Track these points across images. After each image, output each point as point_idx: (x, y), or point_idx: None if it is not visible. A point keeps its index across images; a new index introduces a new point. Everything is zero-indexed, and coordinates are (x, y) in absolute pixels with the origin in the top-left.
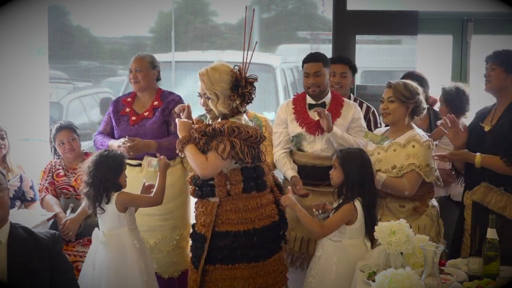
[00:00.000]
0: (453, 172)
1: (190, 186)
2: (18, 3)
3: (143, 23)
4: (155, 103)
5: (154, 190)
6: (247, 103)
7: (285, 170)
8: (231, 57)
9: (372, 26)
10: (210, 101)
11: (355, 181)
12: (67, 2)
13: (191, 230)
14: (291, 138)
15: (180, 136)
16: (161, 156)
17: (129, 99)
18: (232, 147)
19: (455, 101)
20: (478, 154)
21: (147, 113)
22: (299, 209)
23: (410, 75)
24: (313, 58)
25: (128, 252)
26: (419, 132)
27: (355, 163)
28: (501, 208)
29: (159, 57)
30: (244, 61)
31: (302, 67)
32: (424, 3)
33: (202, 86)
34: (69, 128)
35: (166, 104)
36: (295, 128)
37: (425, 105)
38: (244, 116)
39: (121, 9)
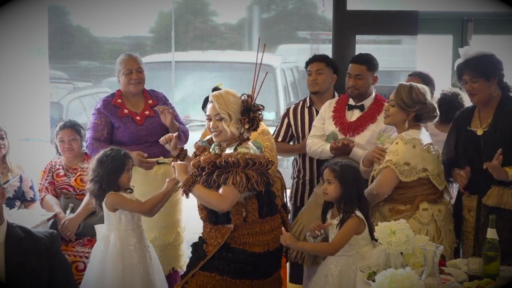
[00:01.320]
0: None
1: (202, 212)
2: (18, 3)
3: (143, 23)
4: (150, 101)
5: (149, 199)
6: (254, 130)
7: (322, 147)
8: (231, 57)
9: (372, 26)
10: (223, 121)
11: (353, 194)
12: (67, 2)
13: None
14: (326, 136)
15: (181, 179)
16: (173, 178)
17: (119, 100)
18: (247, 179)
19: (449, 104)
20: (508, 167)
21: (148, 111)
22: (301, 246)
23: (419, 75)
24: (359, 60)
25: (124, 253)
26: (422, 135)
27: (352, 176)
28: None
29: (159, 57)
30: (254, 87)
31: (348, 65)
32: (424, 3)
33: (215, 107)
34: (72, 128)
35: (159, 101)
36: (330, 126)
37: (434, 113)
38: (249, 143)
39: (121, 9)
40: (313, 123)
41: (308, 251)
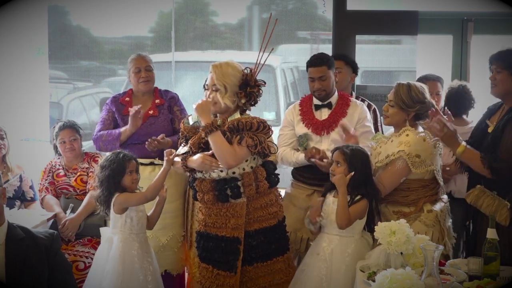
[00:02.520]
0: (458, 166)
1: (207, 194)
2: (18, 3)
3: (143, 23)
4: (157, 101)
5: (150, 184)
6: (251, 105)
7: (296, 156)
8: (231, 57)
9: (372, 26)
10: (218, 92)
11: (361, 179)
12: (67, 2)
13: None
14: (298, 138)
15: (203, 119)
16: (169, 154)
17: (127, 99)
18: (259, 142)
19: (459, 98)
20: (463, 143)
21: (152, 111)
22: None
23: (426, 78)
24: (317, 62)
25: (126, 256)
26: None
27: (361, 159)
28: (492, 213)
29: (159, 57)
30: (258, 62)
31: (307, 69)
32: (424, 3)
33: (213, 77)
34: (72, 128)
35: (168, 101)
36: (301, 129)
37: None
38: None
39: (121, 9)
40: (280, 131)
41: (340, 205)
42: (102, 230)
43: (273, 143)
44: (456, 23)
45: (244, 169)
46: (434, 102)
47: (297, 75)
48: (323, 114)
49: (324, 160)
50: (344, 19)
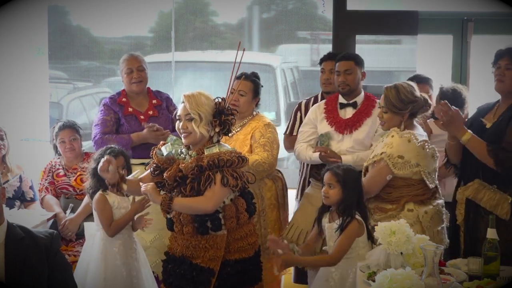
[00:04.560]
0: (448, 167)
1: (187, 227)
2: (18, 3)
3: (143, 23)
4: (154, 101)
5: (116, 222)
6: (225, 134)
7: (310, 154)
8: (231, 57)
9: (372, 26)
10: (193, 122)
11: (354, 198)
12: (67, 2)
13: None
14: (319, 137)
15: (157, 201)
16: (141, 200)
17: (124, 99)
18: (239, 177)
19: (450, 102)
20: (469, 131)
21: (151, 111)
22: (302, 261)
23: (417, 79)
24: (346, 56)
25: (108, 253)
26: (417, 131)
27: (354, 180)
28: (493, 207)
29: (159, 57)
30: (229, 89)
31: (335, 65)
32: (424, 3)
33: (186, 107)
34: (72, 128)
35: (165, 101)
36: (325, 127)
37: (427, 105)
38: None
39: (121, 9)
40: (301, 128)
41: (309, 265)
42: (87, 225)
43: (251, 173)
44: (456, 23)
45: (224, 202)
46: (427, 96)
47: (297, 75)
48: (347, 113)
49: (332, 159)
50: (344, 19)
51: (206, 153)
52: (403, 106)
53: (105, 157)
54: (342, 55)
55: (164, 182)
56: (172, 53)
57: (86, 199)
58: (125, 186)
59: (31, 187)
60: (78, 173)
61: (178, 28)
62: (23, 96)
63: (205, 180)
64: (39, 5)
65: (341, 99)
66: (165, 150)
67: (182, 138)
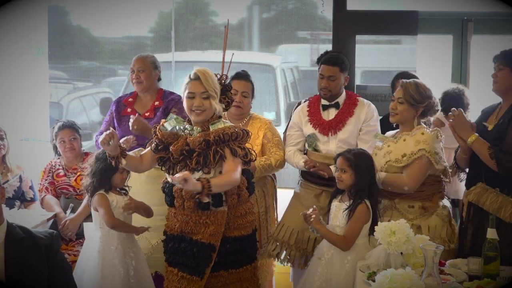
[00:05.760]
0: (455, 167)
1: (188, 202)
2: (18, 3)
3: (143, 23)
4: (156, 103)
5: (122, 222)
6: (225, 110)
7: (297, 161)
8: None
9: (372, 26)
10: (210, 99)
11: (366, 182)
12: (67, 2)
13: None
14: (306, 139)
15: (197, 187)
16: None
17: (130, 99)
18: (245, 149)
19: (455, 104)
20: (476, 134)
21: (148, 113)
22: (321, 228)
23: (403, 75)
24: (331, 61)
25: (105, 253)
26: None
27: (366, 164)
28: (496, 210)
29: (159, 57)
30: (223, 65)
31: (318, 65)
32: (424, 3)
33: (203, 84)
34: (71, 128)
35: (166, 103)
36: (309, 130)
37: (437, 107)
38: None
39: (121, 9)
40: (288, 132)
41: (325, 236)
42: (86, 225)
43: (253, 149)
44: (456, 23)
45: None
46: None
47: (297, 75)
48: (330, 114)
49: (321, 172)
50: (344, 19)
51: (211, 129)
52: (421, 99)
53: (108, 131)
54: (328, 57)
55: (166, 158)
56: (172, 53)
57: (86, 198)
58: (124, 161)
59: (31, 187)
60: (78, 173)
61: (178, 28)
62: (23, 96)
63: (213, 155)
64: (39, 5)
65: (323, 101)
66: (168, 125)
67: (194, 116)
